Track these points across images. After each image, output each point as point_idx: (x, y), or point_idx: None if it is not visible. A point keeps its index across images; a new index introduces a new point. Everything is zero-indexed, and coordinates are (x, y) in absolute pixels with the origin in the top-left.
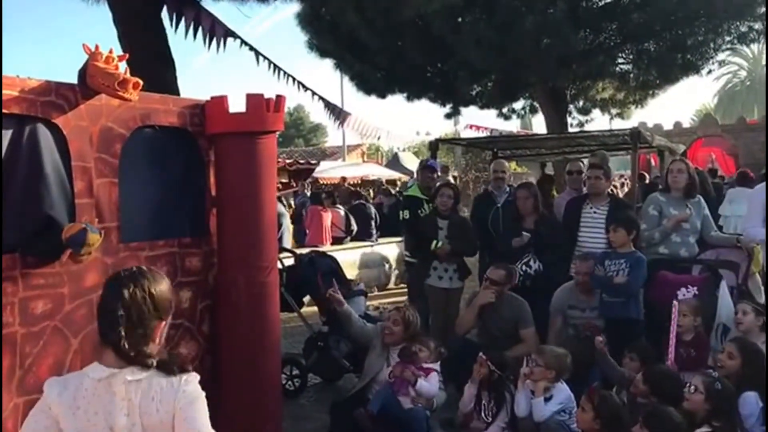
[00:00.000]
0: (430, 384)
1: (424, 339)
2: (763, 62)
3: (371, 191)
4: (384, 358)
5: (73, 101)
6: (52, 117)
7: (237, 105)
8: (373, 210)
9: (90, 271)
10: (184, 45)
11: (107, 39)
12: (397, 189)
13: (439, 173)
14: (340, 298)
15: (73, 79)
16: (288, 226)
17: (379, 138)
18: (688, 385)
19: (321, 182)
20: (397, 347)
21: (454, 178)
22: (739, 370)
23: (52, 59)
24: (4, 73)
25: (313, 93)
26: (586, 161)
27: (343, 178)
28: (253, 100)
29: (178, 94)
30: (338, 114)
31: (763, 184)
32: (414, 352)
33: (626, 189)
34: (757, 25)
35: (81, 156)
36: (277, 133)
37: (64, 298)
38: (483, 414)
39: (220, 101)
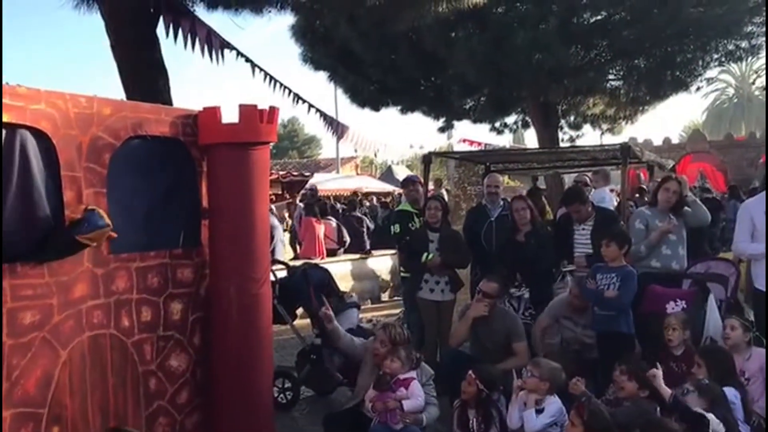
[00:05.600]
0: (415, 397)
1: (395, 349)
2: (750, 80)
3: (366, 201)
4: (375, 375)
5: (63, 110)
6: (40, 125)
7: (230, 116)
8: (366, 222)
9: (79, 282)
10: (177, 55)
11: (100, 48)
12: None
13: (432, 186)
14: (330, 315)
15: (63, 89)
16: (281, 239)
17: (377, 153)
18: (682, 392)
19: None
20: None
21: (447, 191)
22: (708, 377)
23: (43, 68)
24: None
25: (311, 106)
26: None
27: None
28: (246, 110)
29: (171, 104)
30: (336, 127)
31: (752, 199)
32: (388, 381)
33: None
34: (744, 44)
35: (70, 166)
36: (271, 144)
37: (53, 309)
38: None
39: (212, 111)
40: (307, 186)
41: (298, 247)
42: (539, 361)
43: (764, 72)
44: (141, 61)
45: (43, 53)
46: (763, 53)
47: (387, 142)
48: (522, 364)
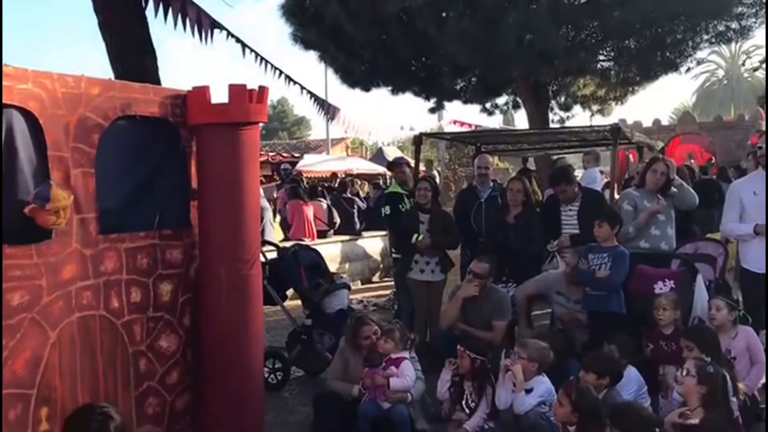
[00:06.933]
0: (404, 376)
1: (389, 329)
2: (740, 62)
3: (357, 183)
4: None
5: (50, 89)
6: (27, 105)
7: (220, 96)
8: (356, 203)
9: (68, 262)
10: (166, 35)
11: (88, 28)
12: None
13: (423, 167)
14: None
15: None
16: (270, 220)
17: (370, 134)
18: (680, 369)
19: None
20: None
21: (438, 172)
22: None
23: (30, 51)
24: None
25: (302, 87)
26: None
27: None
28: (236, 90)
29: (160, 84)
30: (328, 109)
31: (740, 180)
32: (379, 356)
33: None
34: (734, 25)
35: (57, 146)
36: (260, 125)
37: (42, 290)
38: (465, 404)
39: (202, 91)
40: (282, 167)
41: (288, 229)
42: (526, 342)
43: (754, 54)
44: (130, 41)
45: (26, 37)
46: (753, 34)
47: (377, 126)
48: (495, 340)
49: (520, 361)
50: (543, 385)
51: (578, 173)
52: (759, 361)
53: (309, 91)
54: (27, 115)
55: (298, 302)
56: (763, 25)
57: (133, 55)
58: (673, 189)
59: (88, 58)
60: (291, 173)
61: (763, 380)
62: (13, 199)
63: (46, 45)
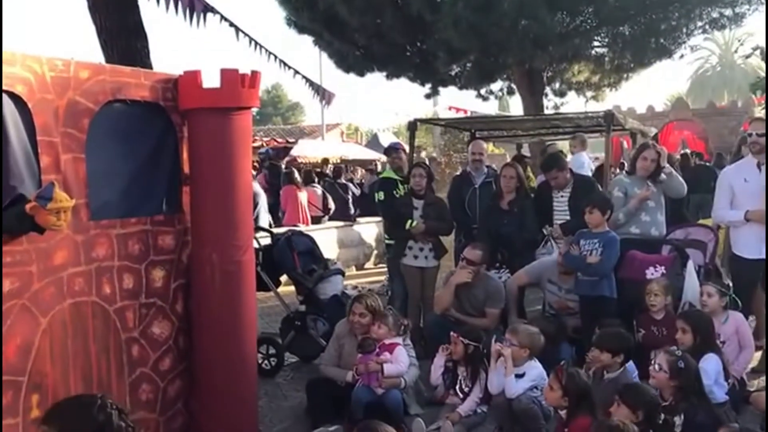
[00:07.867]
0: (397, 362)
1: (383, 315)
2: (733, 49)
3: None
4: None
5: (39, 73)
6: (15, 89)
7: (211, 80)
8: (351, 189)
9: (59, 248)
10: (157, 17)
11: (78, 11)
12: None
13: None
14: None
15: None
16: (264, 206)
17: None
18: (653, 362)
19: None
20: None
21: (432, 159)
22: (693, 342)
23: (19, 36)
24: None
25: (296, 72)
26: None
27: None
28: (228, 75)
29: (151, 68)
30: (323, 94)
31: (731, 166)
32: (373, 342)
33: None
34: (728, 12)
35: (46, 130)
36: (254, 110)
37: (33, 276)
38: (458, 389)
39: (193, 76)
40: (260, 151)
41: (280, 216)
42: (517, 327)
43: (747, 40)
44: (120, 24)
45: (16, 13)
46: (746, 21)
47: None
48: (488, 327)
49: (510, 346)
50: (535, 369)
51: (568, 158)
52: (747, 345)
53: (303, 76)
54: (15, 99)
55: (292, 288)
56: (756, 12)
57: (123, 38)
58: (663, 176)
59: (78, 41)
60: (270, 157)
61: (752, 364)
62: (5, 184)
63: (34, 27)
